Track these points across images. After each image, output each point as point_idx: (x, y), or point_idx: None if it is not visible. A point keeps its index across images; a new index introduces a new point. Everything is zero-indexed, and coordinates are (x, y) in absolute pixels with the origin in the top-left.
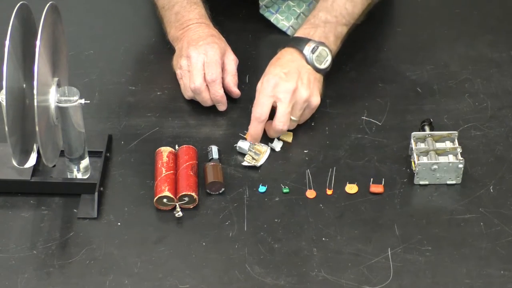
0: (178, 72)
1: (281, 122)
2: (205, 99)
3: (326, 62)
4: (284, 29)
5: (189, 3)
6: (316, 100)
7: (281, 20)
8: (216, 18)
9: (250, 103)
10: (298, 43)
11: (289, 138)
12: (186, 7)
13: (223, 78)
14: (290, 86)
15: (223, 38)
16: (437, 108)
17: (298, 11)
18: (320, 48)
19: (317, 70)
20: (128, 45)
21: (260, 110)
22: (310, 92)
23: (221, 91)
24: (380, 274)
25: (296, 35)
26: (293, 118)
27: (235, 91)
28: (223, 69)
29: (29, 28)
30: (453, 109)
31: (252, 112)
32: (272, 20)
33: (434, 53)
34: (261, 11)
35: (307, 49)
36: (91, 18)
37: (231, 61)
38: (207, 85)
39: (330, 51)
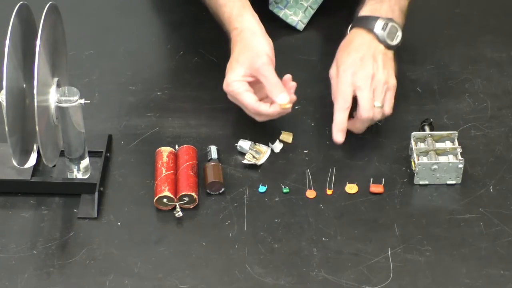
0: None
1: (366, 109)
2: (275, 116)
3: (397, 38)
4: (293, 24)
5: (220, 6)
6: (393, 81)
7: (290, 15)
8: None
9: None
10: (367, 22)
11: (289, 139)
12: (219, 14)
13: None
14: (368, 73)
15: (247, 43)
16: (437, 108)
17: (306, 5)
18: (390, 24)
19: (389, 47)
20: (128, 45)
21: (342, 98)
22: (387, 74)
23: (268, 110)
24: (380, 274)
25: (362, 13)
26: (377, 104)
27: (279, 101)
28: (260, 82)
29: (29, 28)
30: (453, 109)
31: (334, 103)
32: (281, 16)
33: (434, 53)
34: (270, 7)
35: (378, 27)
36: (91, 18)
37: (261, 71)
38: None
39: (399, 25)
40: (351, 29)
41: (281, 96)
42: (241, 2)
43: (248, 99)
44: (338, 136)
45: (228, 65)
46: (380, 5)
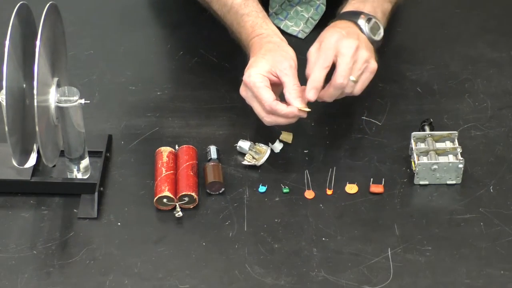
0: None
1: (342, 75)
2: (286, 122)
3: (379, 35)
4: (294, 34)
5: (241, 15)
6: (374, 64)
7: (291, 26)
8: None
9: None
10: (351, 16)
11: (289, 139)
12: (240, 23)
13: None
14: (352, 43)
15: (273, 45)
16: (437, 108)
17: (307, 16)
18: (373, 20)
19: (372, 41)
20: (128, 45)
21: (323, 58)
22: (370, 54)
23: (284, 110)
24: (380, 274)
25: (345, 9)
26: (352, 78)
27: (296, 104)
28: (280, 83)
29: (29, 28)
30: (453, 109)
31: (314, 61)
32: (281, 27)
33: (434, 53)
34: (270, 19)
35: (362, 21)
36: (91, 18)
37: (284, 70)
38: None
39: (382, 24)
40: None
41: (298, 100)
42: (263, 14)
43: (266, 95)
44: (311, 93)
45: (253, 59)
46: (364, 5)
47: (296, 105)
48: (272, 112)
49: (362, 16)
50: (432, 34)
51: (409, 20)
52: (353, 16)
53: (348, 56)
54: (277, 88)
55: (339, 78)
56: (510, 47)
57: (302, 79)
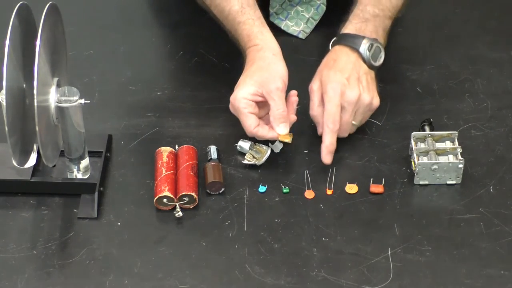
0: None
1: (343, 130)
2: (267, 138)
3: (380, 59)
4: (295, 34)
5: (238, 23)
6: (376, 101)
7: (291, 26)
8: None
9: None
10: (352, 41)
11: (289, 139)
12: (237, 30)
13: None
14: (354, 95)
15: (264, 63)
16: (437, 108)
17: (307, 16)
18: (375, 45)
19: (372, 67)
20: (128, 45)
21: (332, 120)
22: (371, 95)
23: (266, 135)
24: (380, 274)
25: (347, 31)
26: (354, 123)
27: (279, 131)
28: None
29: (29, 28)
30: (453, 109)
31: (324, 123)
32: (282, 27)
33: (434, 53)
34: (271, 19)
35: (363, 48)
36: (91, 18)
37: (271, 94)
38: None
39: (382, 46)
40: (333, 44)
41: (282, 126)
42: (260, 21)
43: (248, 122)
44: (327, 158)
45: (241, 78)
46: (366, 25)
47: (278, 131)
48: (254, 136)
49: (364, 41)
50: (432, 34)
51: (409, 20)
52: (355, 41)
53: (349, 113)
54: (266, 106)
55: (342, 133)
56: (510, 47)
57: (301, 80)
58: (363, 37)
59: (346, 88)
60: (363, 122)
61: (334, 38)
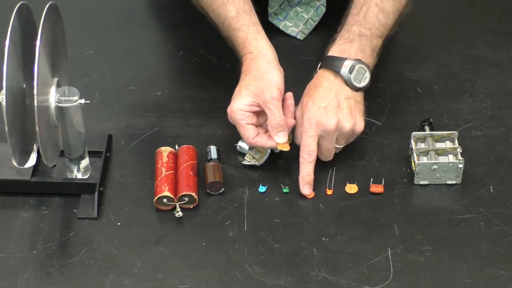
0: None
1: (326, 156)
2: (266, 147)
3: (365, 80)
4: (293, 35)
5: (233, 30)
6: (360, 127)
7: (290, 27)
8: None
9: None
10: (334, 63)
11: (287, 148)
12: (232, 36)
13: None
14: (332, 123)
15: (259, 72)
16: (437, 108)
17: (306, 17)
18: (358, 66)
19: (356, 89)
20: (128, 45)
21: (307, 151)
22: (353, 121)
23: (266, 144)
24: (380, 274)
25: (331, 53)
26: (337, 146)
27: (277, 140)
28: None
29: (29, 28)
30: (453, 109)
31: (300, 154)
32: (281, 27)
33: (434, 53)
34: (270, 19)
35: (344, 70)
36: (91, 18)
37: (268, 104)
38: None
39: (368, 66)
40: (320, 67)
41: (280, 135)
42: (255, 27)
43: (247, 134)
44: (306, 189)
45: (237, 89)
46: (350, 45)
47: (277, 141)
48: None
49: (344, 65)
50: (432, 34)
51: (409, 20)
52: (336, 64)
53: (329, 139)
54: (264, 114)
55: (322, 157)
56: (510, 47)
57: (300, 81)
58: (345, 59)
59: (322, 117)
60: (346, 143)
61: (320, 62)
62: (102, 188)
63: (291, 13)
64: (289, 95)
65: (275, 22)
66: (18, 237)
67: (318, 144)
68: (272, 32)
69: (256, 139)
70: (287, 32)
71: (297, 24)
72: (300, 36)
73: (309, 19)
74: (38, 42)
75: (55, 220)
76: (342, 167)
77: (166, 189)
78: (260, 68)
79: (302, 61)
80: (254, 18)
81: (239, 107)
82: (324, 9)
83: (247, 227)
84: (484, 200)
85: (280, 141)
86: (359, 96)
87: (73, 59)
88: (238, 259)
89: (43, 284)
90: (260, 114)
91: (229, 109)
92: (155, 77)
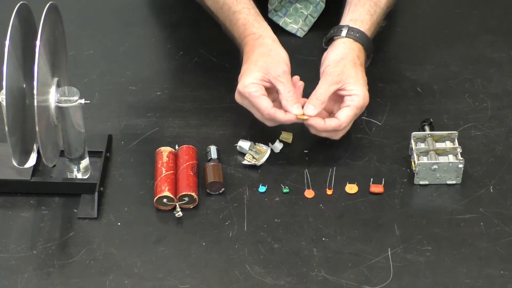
0: None
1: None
2: (286, 121)
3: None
4: (293, 32)
5: (233, 13)
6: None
7: (290, 23)
8: None
9: None
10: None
11: (289, 139)
12: (232, 20)
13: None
14: (364, 102)
15: (265, 49)
16: (437, 108)
17: (306, 13)
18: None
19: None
20: (128, 45)
21: (345, 130)
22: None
23: (284, 118)
24: (380, 274)
25: (361, 26)
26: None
27: (294, 111)
28: (275, 90)
29: (29, 28)
30: (453, 109)
31: (332, 127)
32: (280, 24)
33: (434, 53)
34: (270, 15)
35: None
36: (91, 18)
37: (278, 78)
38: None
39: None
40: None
41: (296, 106)
42: (255, 10)
43: (264, 104)
44: (310, 110)
45: (245, 67)
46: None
47: (294, 112)
48: (271, 119)
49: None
50: (432, 34)
51: (409, 20)
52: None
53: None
54: (273, 92)
55: (341, 135)
56: (510, 47)
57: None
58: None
59: (366, 103)
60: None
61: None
62: (102, 188)
63: (291, 10)
64: (297, 77)
65: (275, 18)
66: (18, 237)
67: (339, 114)
68: (273, 30)
69: (275, 110)
70: (287, 29)
71: (296, 21)
72: (300, 34)
73: (309, 15)
74: (38, 42)
75: (55, 220)
76: (342, 167)
77: (166, 189)
78: (266, 45)
79: (302, 61)
80: (252, 3)
81: (251, 81)
82: (323, 5)
83: (247, 227)
84: (484, 200)
85: (297, 112)
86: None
87: (73, 59)
88: (238, 259)
89: (43, 284)
90: (268, 93)
91: (240, 86)
92: (155, 77)
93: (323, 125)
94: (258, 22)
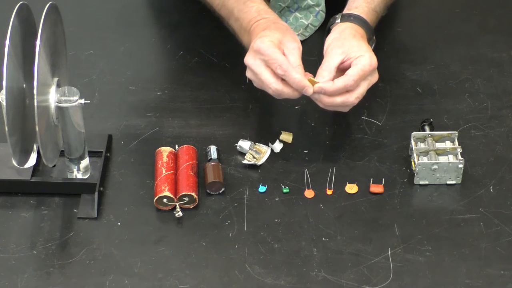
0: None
1: (352, 104)
2: (290, 94)
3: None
4: None
5: (245, 2)
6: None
7: None
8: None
9: (250, 103)
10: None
11: (289, 139)
12: (243, 9)
13: None
14: (375, 63)
15: (282, 26)
16: (437, 108)
17: (306, 23)
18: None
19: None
20: (128, 45)
21: (359, 97)
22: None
23: (298, 76)
24: (380, 274)
25: (364, 15)
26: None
27: (305, 85)
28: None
29: (29, 28)
30: (453, 109)
31: (344, 96)
32: None
33: (434, 53)
34: None
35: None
36: (91, 18)
37: (292, 50)
38: (282, 79)
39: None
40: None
41: (307, 74)
42: (266, 1)
43: (281, 57)
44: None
45: (262, 32)
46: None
47: (304, 81)
48: (283, 76)
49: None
50: (432, 34)
51: (409, 20)
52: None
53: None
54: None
55: (350, 105)
56: (510, 47)
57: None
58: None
59: (374, 64)
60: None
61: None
62: (102, 188)
63: (291, 19)
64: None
65: None
66: (18, 237)
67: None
68: None
69: (291, 68)
70: None
71: (297, 29)
72: (301, 37)
73: (309, 25)
74: (38, 42)
75: (55, 220)
76: (342, 167)
77: (166, 189)
78: (283, 25)
79: (303, 61)
80: None
81: (270, 39)
82: (324, 14)
83: (247, 227)
84: (484, 200)
85: (309, 77)
86: None
87: (73, 59)
88: (238, 259)
89: (43, 284)
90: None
91: (259, 41)
92: (155, 77)
93: (332, 86)
94: (272, 12)
